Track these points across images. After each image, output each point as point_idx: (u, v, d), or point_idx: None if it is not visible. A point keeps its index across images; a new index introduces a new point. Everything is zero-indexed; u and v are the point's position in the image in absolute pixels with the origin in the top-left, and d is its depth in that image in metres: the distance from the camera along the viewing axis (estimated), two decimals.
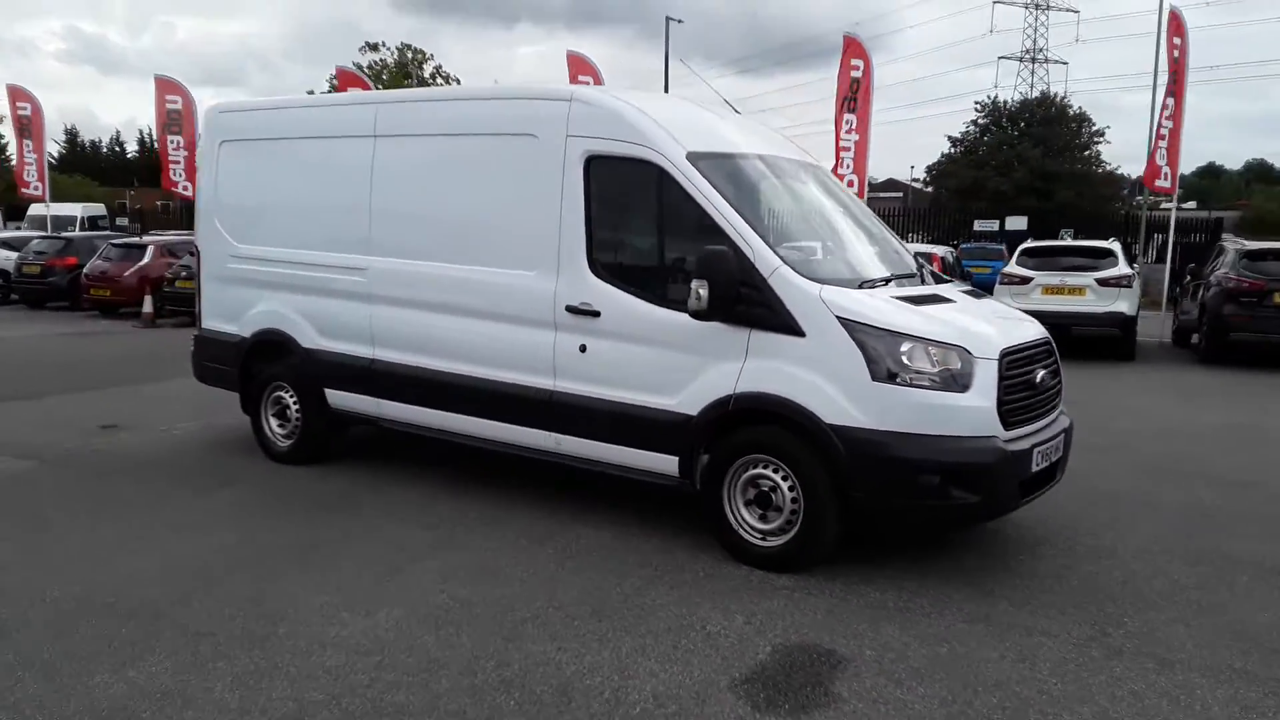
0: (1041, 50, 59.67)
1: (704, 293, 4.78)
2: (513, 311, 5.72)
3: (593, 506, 5.93)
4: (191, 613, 4.32)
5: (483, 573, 4.87)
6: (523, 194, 5.71)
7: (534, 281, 5.61)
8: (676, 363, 5.13)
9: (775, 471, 4.89)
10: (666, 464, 5.23)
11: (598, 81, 20.35)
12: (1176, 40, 17.11)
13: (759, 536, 4.98)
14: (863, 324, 4.67)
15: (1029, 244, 16.01)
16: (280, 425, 7.10)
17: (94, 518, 5.72)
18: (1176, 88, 17.02)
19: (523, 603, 4.48)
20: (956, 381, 4.61)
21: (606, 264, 5.43)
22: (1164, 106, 17.20)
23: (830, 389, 4.67)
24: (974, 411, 4.62)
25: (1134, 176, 37.91)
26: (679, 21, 31.41)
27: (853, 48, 17.83)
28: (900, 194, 58.39)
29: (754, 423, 4.96)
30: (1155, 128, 17.18)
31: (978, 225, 32.93)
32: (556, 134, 5.54)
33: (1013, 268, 14.96)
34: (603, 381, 5.40)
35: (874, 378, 4.59)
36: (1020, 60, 59.03)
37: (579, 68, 20.89)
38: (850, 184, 17.73)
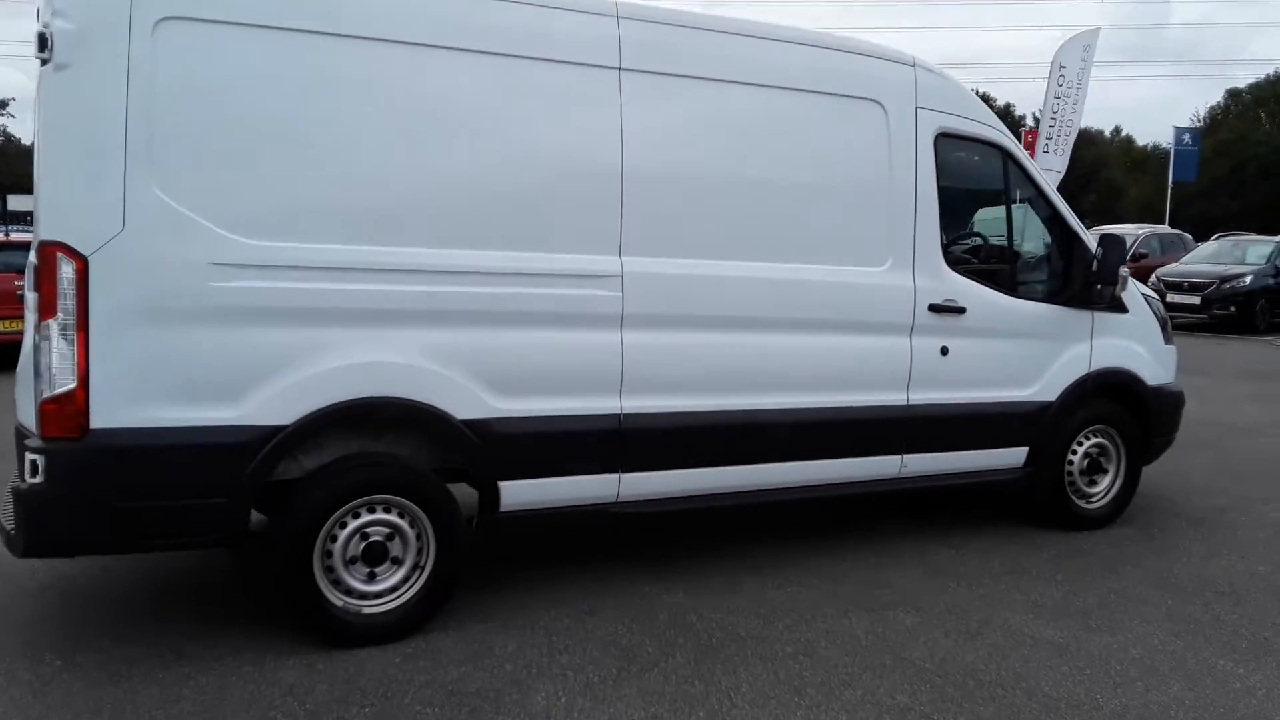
0: None
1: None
2: (864, 317, 4.60)
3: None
4: None
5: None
6: (868, 172, 4.60)
7: (885, 278, 4.64)
8: (1034, 351, 5.10)
9: (1104, 438, 5.41)
10: (1014, 457, 5.15)
11: None
12: None
13: (1087, 500, 5.42)
14: (1150, 298, 5.61)
15: None
16: (368, 578, 3.73)
17: None
18: None
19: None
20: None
21: (958, 255, 4.90)
22: None
23: (1148, 356, 5.48)
24: None
25: None
26: None
27: None
28: None
29: (1097, 397, 5.34)
30: None
31: None
32: (906, 103, 4.68)
33: None
34: (963, 384, 4.90)
35: (1165, 342, 5.61)
36: None
37: None
38: None
